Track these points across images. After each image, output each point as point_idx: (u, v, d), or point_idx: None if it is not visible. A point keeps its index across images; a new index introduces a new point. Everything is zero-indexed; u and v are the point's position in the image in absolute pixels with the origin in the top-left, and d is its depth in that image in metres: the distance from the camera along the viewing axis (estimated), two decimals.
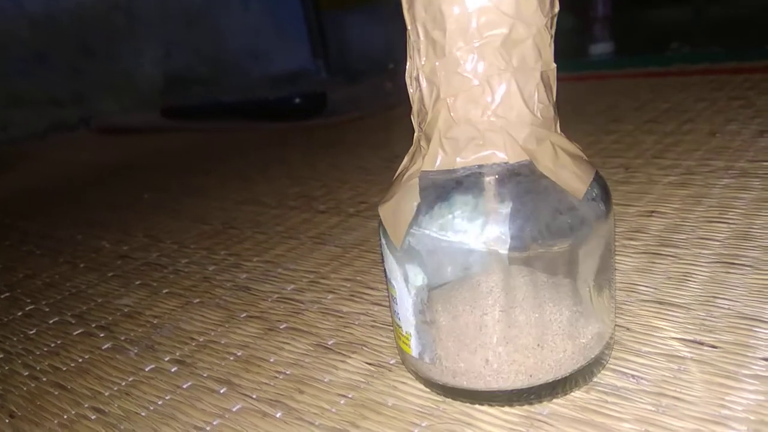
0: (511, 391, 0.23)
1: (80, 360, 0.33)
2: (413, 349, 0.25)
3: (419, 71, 0.22)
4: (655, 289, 0.30)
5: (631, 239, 0.35)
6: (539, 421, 0.23)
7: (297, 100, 0.90)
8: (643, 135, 0.54)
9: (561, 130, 0.23)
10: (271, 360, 0.30)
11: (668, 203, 0.39)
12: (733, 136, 0.49)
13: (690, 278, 0.30)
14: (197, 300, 0.38)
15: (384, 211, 0.24)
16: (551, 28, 0.22)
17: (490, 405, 0.24)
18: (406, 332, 0.25)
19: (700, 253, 0.32)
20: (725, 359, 0.24)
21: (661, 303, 0.29)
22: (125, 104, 1.16)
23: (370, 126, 0.81)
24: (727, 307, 0.28)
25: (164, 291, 0.40)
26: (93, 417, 0.28)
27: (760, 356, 0.24)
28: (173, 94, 1.13)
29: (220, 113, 0.99)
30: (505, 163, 0.21)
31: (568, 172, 0.22)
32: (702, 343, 0.26)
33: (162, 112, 1.08)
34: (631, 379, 0.24)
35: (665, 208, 0.39)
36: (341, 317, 0.33)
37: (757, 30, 0.83)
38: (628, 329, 0.27)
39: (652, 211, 0.38)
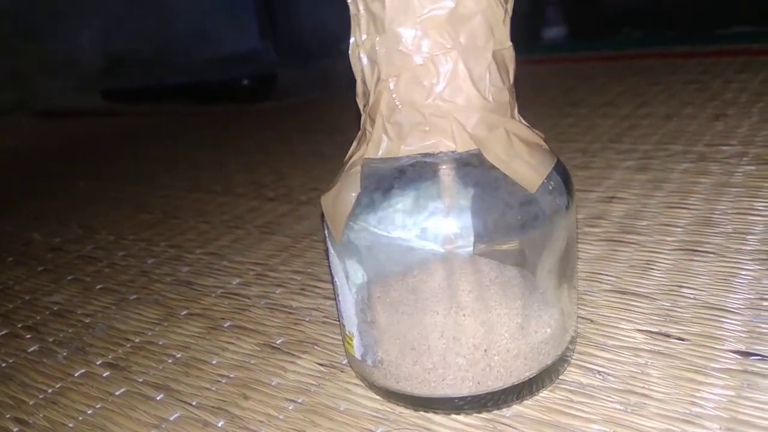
0: (457, 398, 0.22)
1: (3, 365, 0.31)
2: (356, 350, 0.23)
3: (360, 48, 0.20)
4: (618, 278, 0.29)
5: (592, 226, 0.34)
6: (502, 424, 0.21)
7: (245, 82, 0.86)
8: (599, 119, 0.53)
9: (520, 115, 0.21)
10: (214, 362, 0.28)
11: (628, 188, 0.38)
12: (689, 120, 0.49)
13: (653, 266, 0.29)
14: (134, 296, 0.35)
15: (325, 201, 0.22)
16: (506, 3, 0.20)
17: (435, 412, 0.22)
18: (349, 332, 0.23)
19: (662, 240, 0.32)
20: (693, 352, 0.23)
21: (624, 293, 0.28)
22: (64, 86, 1.10)
23: (322, 109, 0.78)
24: (692, 296, 0.27)
25: (98, 287, 0.37)
26: (15, 429, 0.26)
27: (729, 348, 0.23)
28: (115, 76, 1.08)
29: (165, 96, 0.95)
30: (453, 151, 0.20)
31: (522, 163, 0.20)
32: (668, 336, 0.24)
33: (103, 95, 1.03)
34: (597, 375, 0.23)
35: (625, 193, 0.38)
36: (291, 313, 0.31)
37: (709, 14, 0.83)
38: (591, 321, 0.26)
39: (612, 197, 0.37)
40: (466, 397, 0.21)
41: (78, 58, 1.11)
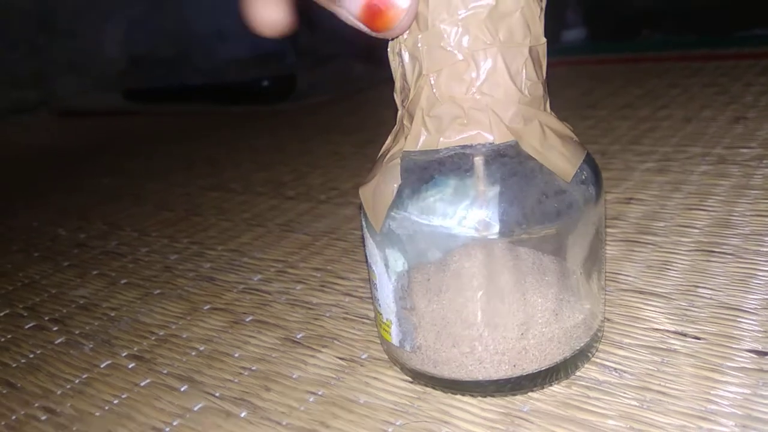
0: (494, 381, 0.22)
1: (31, 356, 0.31)
2: (394, 337, 0.23)
3: (401, 45, 0.21)
4: (635, 278, 0.29)
5: (609, 227, 0.34)
6: (519, 418, 0.22)
7: (265, 83, 0.87)
8: (618, 121, 0.53)
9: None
10: (236, 355, 0.28)
11: (646, 190, 0.38)
12: (708, 123, 0.49)
13: (670, 267, 0.30)
14: (158, 291, 0.36)
15: (364, 192, 0.23)
16: (541, 0, 0.21)
17: (473, 396, 0.23)
18: (387, 319, 0.23)
19: (679, 240, 0.32)
20: (710, 351, 0.24)
21: (642, 292, 0.28)
22: (86, 85, 1.11)
23: (341, 110, 0.79)
24: (709, 296, 0.27)
25: (123, 281, 0.38)
26: (43, 417, 0.26)
27: (745, 348, 0.23)
28: (136, 76, 1.09)
29: (186, 96, 0.96)
30: (491, 143, 0.20)
31: (557, 154, 0.21)
32: (685, 335, 0.25)
33: (125, 94, 1.04)
34: (613, 372, 0.23)
35: (643, 195, 0.38)
36: (311, 309, 0.31)
37: (729, 17, 0.83)
38: (609, 320, 0.26)
39: (630, 198, 0.38)
40: (501, 380, 0.22)
41: (100, 58, 1.12)
